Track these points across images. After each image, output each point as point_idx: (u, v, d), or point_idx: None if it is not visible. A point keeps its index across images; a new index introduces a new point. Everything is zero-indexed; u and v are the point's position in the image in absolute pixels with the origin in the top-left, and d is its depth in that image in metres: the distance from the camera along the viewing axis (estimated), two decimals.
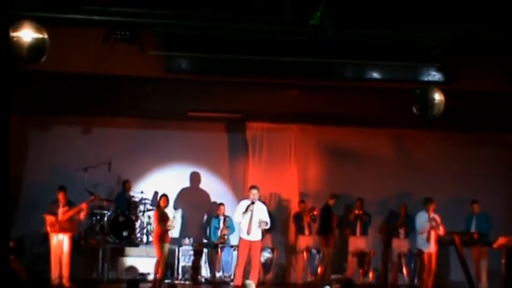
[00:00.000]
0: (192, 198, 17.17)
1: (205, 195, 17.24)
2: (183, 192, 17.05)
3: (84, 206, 13.77)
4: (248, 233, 13.01)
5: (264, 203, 13.78)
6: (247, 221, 13.01)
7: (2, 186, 6.19)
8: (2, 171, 6.17)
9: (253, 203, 13.08)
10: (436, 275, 14.32)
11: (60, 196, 13.55)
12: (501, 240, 13.91)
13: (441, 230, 14.01)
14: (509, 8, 11.10)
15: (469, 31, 12.00)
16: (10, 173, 6.52)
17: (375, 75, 13.01)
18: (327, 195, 16.16)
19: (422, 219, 14.20)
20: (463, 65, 12.84)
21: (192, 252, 15.72)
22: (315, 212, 16.02)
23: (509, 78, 12.72)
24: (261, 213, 13.17)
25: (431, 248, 14.11)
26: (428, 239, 14.08)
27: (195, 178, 17.25)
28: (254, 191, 13.19)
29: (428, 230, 14.09)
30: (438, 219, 14.08)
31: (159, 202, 14.52)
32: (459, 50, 12.62)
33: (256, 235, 13.10)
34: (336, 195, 16.01)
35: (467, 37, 12.18)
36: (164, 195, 14.48)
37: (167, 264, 14.83)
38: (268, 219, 13.27)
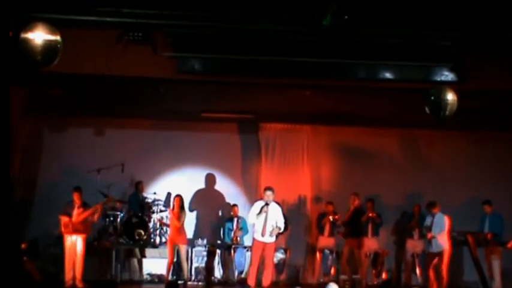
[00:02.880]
0: (206, 199, 17.17)
1: (219, 196, 17.24)
2: (196, 194, 17.05)
3: (99, 207, 13.83)
4: (263, 235, 12.99)
5: (278, 204, 13.73)
6: (262, 222, 12.97)
7: (2, 187, 6.23)
8: (2, 172, 6.21)
9: (267, 204, 13.05)
10: (450, 275, 14.21)
11: (76, 197, 13.59)
12: None
13: (429, 235, 14.07)
14: None
15: (481, 30, 11.98)
16: (21, 174, 6.57)
17: (388, 75, 12.98)
18: (340, 196, 16.14)
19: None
20: (476, 64, 12.80)
21: (205, 253, 15.73)
22: (336, 217, 15.97)
23: None
24: (275, 214, 13.12)
25: (434, 249, 14.09)
26: (429, 241, 14.12)
27: (209, 179, 17.27)
28: (268, 193, 13.14)
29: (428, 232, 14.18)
30: (447, 222, 14.01)
31: (173, 203, 14.60)
32: (472, 49, 12.60)
33: (270, 237, 13.07)
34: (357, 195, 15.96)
35: (480, 36, 12.16)
36: (178, 196, 14.59)
37: (178, 265, 14.83)
38: (282, 222, 13.23)
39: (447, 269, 13.91)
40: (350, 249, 15.55)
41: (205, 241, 15.93)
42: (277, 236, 13.51)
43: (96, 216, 13.86)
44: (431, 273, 14.07)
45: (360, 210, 15.77)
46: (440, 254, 13.92)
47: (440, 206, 14.22)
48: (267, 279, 13.00)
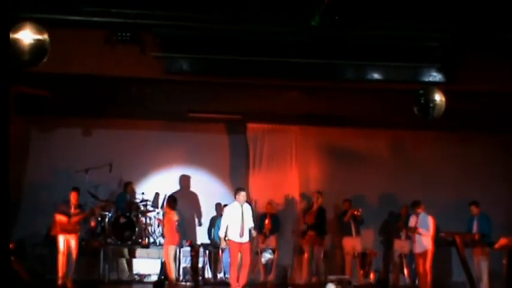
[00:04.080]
0: (183, 200, 17.07)
1: (194, 197, 17.23)
2: (180, 194, 16.94)
3: (97, 210, 13.82)
4: (241, 236, 12.99)
5: (250, 204, 13.76)
6: (239, 223, 12.98)
7: (2, 187, 6.19)
8: (2, 172, 6.17)
9: (241, 206, 13.08)
10: (438, 275, 14.25)
11: (73, 197, 13.57)
12: (502, 241, 13.88)
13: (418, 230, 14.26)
14: (509, 7, 11.09)
15: (470, 31, 12.00)
16: (10, 174, 6.50)
17: (376, 76, 12.99)
18: (328, 196, 16.13)
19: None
20: (464, 65, 12.81)
21: (192, 254, 15.70)
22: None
23: (510, 78, 12.71)
24: (248, 215, 13.15)
25: (417, 249, 14.22)
26: (413, 241, 14.42)
27: (184, 181, 17.28)
28: (243, 193, 13.20)
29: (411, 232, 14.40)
30: (431, 222, 14.10)
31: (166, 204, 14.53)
32: (460, 50, 12.62)
33: (246, 237, 13.08)
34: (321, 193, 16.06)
35: (468, 37, 12.19)
36: (170, 197, 14.56)
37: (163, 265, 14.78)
38: (252, 222, 13.26)
39: (431, 268, 13.97)
40: (311, 248, 15.67)
41: (186, 242, 15.89)
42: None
43: (92, 222, 13.90)
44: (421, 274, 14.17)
45: (323, 209, 15.82)
46: (424, 254, 14.00)
47: (425, 206, 14.28)
48: (243, 279, 12.99)
